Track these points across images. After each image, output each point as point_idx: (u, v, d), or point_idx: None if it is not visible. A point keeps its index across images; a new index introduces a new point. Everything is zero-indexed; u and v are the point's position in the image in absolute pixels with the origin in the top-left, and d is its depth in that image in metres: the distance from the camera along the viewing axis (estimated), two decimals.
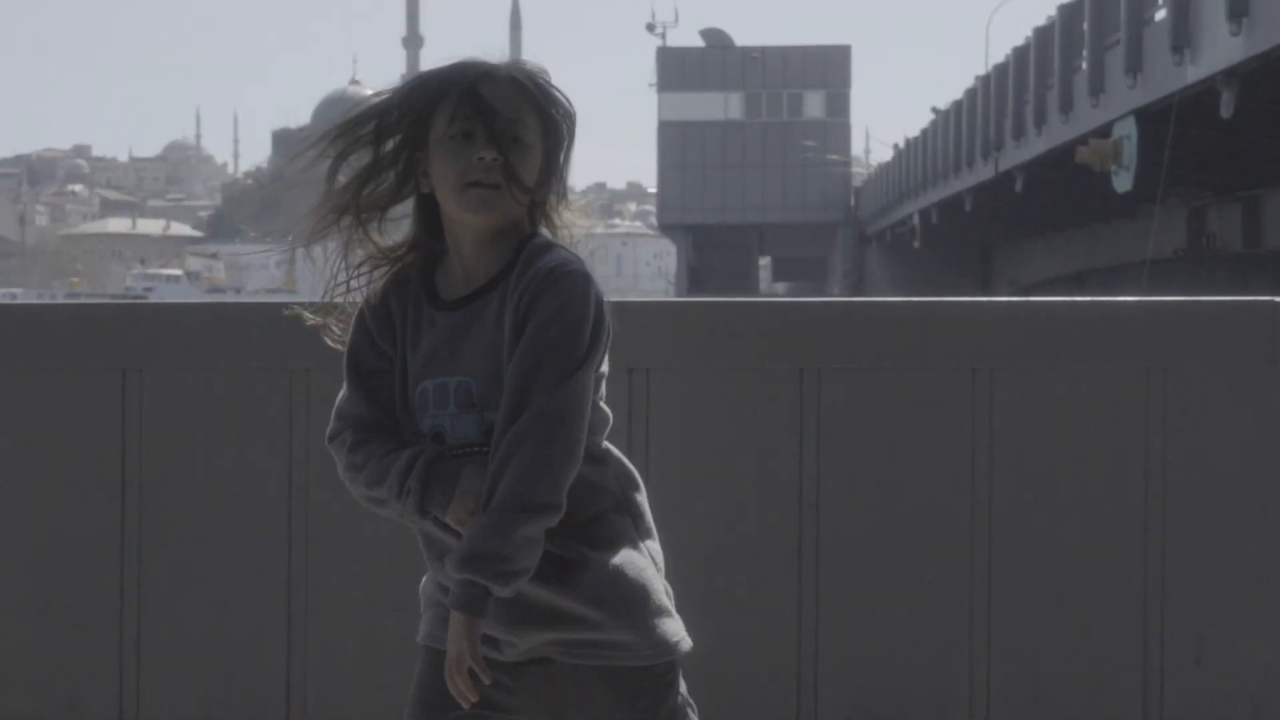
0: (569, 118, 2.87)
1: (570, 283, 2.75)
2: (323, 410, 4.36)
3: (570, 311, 2.74)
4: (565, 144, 2.88)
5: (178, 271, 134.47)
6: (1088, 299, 4.40)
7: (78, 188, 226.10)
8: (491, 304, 2.81)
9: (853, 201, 78.96)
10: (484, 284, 2.83)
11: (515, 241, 2.84)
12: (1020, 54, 34.45)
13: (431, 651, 2.90)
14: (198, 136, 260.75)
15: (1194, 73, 22.54)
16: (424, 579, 2.97)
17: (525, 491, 2.68)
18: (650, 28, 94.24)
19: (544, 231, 2.88)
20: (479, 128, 2.80)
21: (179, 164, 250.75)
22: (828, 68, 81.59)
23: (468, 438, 2.80)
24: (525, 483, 2.69)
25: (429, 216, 2.91)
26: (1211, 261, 30.85)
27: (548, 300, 2.74)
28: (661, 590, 2.87)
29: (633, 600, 2.82)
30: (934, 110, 48.92)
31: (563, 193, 2.88)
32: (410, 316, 2.89)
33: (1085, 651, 4.30)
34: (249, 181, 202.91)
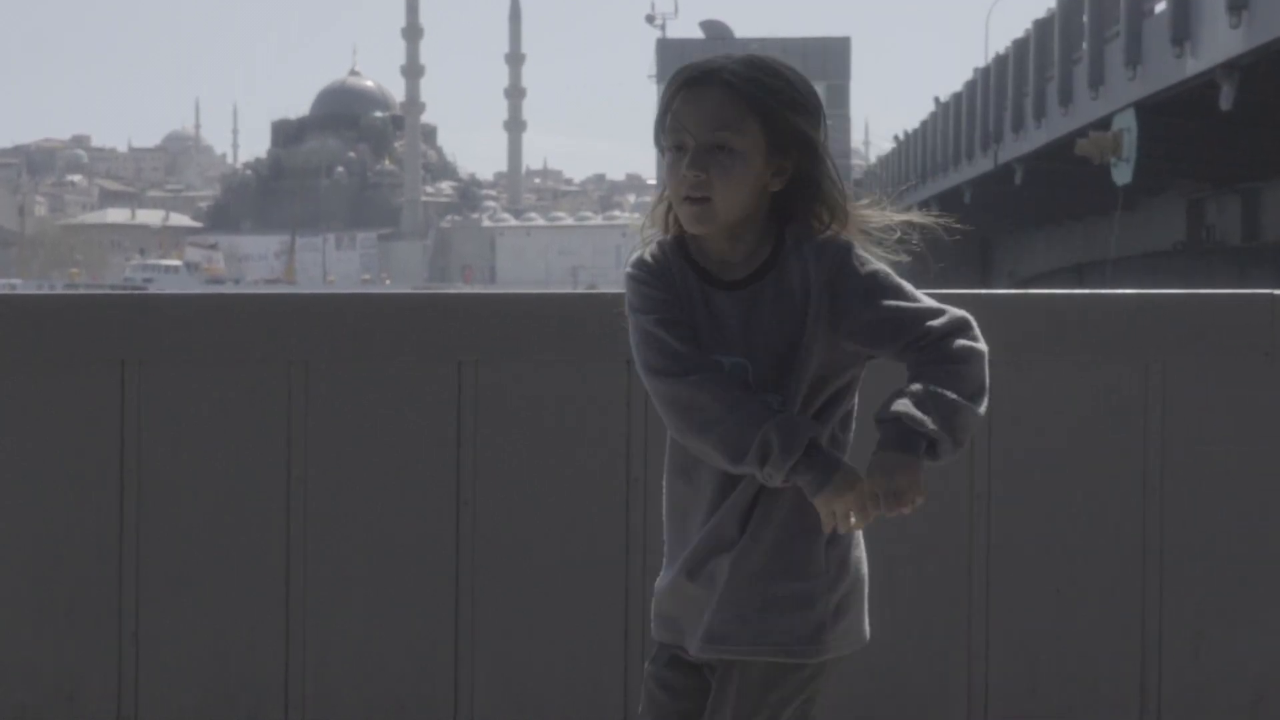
0: (799, 106, 2.87)
1: (850, 247, 2.91)
2: (321, 403, 4.37)
3: (874, 264, 2.91)
4: (797, 131, 2.88)
5: (177, 262, 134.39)
6: (1086, 291, 4.40)
7: (77, 178, 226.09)
8: (767, 290, 2.87)
9: (852, 193, 78.80)
10: (757, 269, 2.88)
11: (774, 227, 2.91)
12: (1020, 46, 34.39)
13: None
14: (197, 127, 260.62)
15: (1194, 65, 22.52)
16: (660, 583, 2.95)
17: (987, 385, 2.94)
18: (650, 19, 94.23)
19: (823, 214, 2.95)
20: (686, 140, 2.85)
21: (178, 154, 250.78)
22: (827, 59, 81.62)
23: None
24: (985, 377, 2.96)
25: None
26: (1210, 254, 30.82)
27: (852, 263, 2.88)
28: None
29: None
30: (936, 100, 48.86)
31: (823, 173, 2.95)
32: (687, 289, 2.90)
33: (1083, 644, 4.30)
34: (248, 172, 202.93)
